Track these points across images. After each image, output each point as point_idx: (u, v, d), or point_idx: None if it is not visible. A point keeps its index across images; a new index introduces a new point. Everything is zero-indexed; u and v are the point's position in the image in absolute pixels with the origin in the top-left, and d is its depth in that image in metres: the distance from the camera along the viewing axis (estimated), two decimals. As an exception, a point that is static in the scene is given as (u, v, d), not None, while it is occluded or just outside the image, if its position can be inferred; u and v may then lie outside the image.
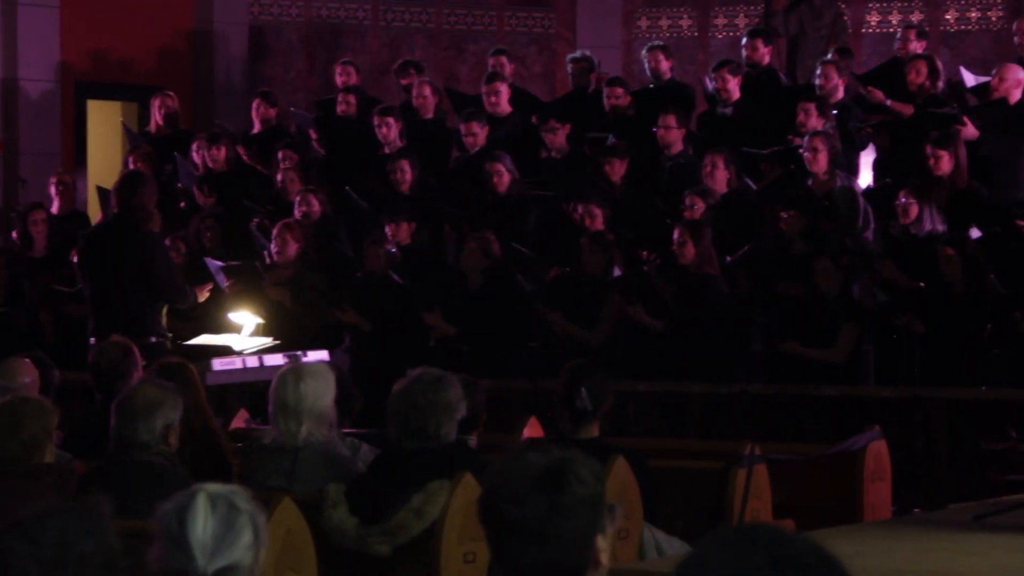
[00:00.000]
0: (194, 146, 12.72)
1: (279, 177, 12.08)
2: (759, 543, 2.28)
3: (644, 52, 12.72)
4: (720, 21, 16.18)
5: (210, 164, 12.46)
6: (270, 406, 6.02)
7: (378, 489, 5.79)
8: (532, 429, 8.05)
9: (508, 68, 13.14)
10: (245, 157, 12.80)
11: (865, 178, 11.84)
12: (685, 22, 16.25)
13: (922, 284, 9.78)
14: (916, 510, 9.03)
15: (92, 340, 8.82)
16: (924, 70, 11.37)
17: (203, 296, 9.88)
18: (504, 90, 12.46)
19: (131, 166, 12.27)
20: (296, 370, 6.01)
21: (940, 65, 11.62)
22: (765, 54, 12.34)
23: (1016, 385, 9.38)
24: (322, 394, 5.96)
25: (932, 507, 9.00)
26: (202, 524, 3.11)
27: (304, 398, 5.93)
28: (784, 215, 10.19)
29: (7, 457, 5.58)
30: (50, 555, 3.00)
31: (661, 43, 12.95)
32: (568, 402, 6.47)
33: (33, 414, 5.64)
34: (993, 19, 15.47)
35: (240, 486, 3.29)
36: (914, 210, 10.01)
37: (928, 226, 10.01)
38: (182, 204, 12.42)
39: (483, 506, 2.85)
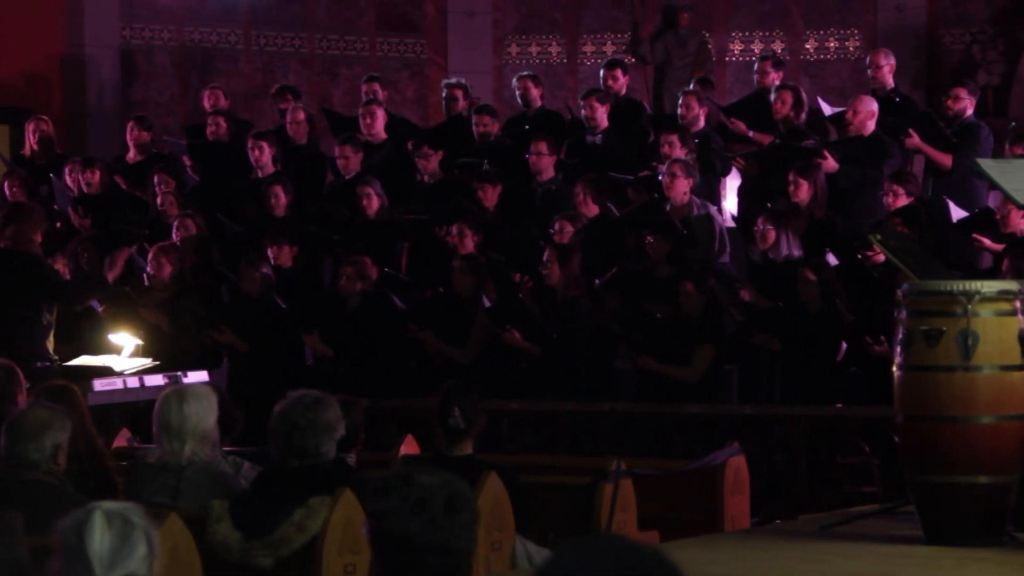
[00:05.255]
0: (67, 170, 12.82)
1: (159, 201, 12.18)
2: (607, 552, 2.53)
3: (515, 81, 13.01)
4: (588, 48, 16.54)
5: (84, 188, 12.57)
6: (154, 427, 6.18)
7: (261, 505, 5.98)
8: (408, 447, 8.29)
9: (382, 94, 13.36)
10: (123, 185, 12.91)
11: (731, 204, 12.20)
12: (554, 49, 16.58)
13: (780, 303, 10.14)
14: (777, 521, 9.38)
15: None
16: (789, 100, 11.72)
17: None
18: (380, 116, 12.68)
19: (7, 191, 12.35)
20: (179, 392, 6.18)
21: (804, 95, 12.00)
22: (623, 84, 12.67)
23: (869, 403, 9.77)
24: (205, 415, 6.13)
25: (791, 518, 9.36)
26: (99, 538, 3.30)
27: (187, 419, 6.09)
28: (650, 239, 10.53)
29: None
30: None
31: (530, 72, 13.26)
32: (442, 421, 6.73)
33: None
34: (851, 49, 15.99)
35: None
36: (772, 236, 10.36)
37: (785, 251, 10.36)
38: (58, 225, 12.49)
39: (379, 525, 3.14)
